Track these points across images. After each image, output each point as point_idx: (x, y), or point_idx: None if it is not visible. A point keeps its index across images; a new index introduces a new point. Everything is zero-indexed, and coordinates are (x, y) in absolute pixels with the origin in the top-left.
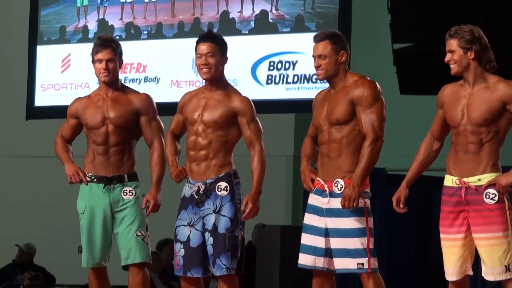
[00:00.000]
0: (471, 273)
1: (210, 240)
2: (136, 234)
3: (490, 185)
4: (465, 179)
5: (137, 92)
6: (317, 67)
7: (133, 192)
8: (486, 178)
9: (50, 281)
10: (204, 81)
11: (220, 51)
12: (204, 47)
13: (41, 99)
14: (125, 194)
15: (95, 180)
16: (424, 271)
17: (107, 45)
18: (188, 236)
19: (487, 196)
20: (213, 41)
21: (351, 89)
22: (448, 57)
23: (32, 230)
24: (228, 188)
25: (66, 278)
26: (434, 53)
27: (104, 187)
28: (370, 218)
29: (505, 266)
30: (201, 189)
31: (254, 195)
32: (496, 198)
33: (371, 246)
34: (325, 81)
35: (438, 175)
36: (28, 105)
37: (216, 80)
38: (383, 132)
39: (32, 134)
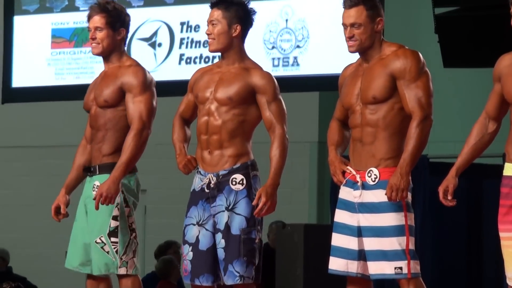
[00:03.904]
0: None
1: (221, 243)
2: (96, 241)
3: None
4: None
5: (129, 65)
6: (349, 38)
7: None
8: None
9: None
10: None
11: (229, 18)
12: (210, 14)
13: (20, 80)
14: (94, 189)
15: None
16: (476, 275)
17: (97, 11)
18: (197, 237)
19: None
20: (220, 7)
21: (390, 61)
22: None
23: (9, 233)
24: (245, 181)
25: None
26: (484, 18)
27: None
28: (410, 214)
29: None
30: (212, 182)
31: (269, 188)
32: None
33: (411, 247)
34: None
35: (491, 162)
36: (4, 87)
37: (227, 52)
38: (431, 109)
39: (9, 120)
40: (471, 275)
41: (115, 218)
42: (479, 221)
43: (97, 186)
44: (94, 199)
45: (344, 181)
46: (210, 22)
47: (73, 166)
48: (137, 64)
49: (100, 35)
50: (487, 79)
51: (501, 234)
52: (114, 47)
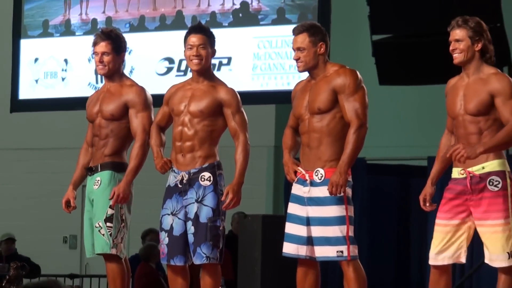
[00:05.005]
0: (463, 261)
1: (191, 229)
2: (95, 225)
3: (494, 172)
4: (469, 169)
5: (131, 85)
6: (296, 60)
7: (100, 181)
8: (489, 165)
9: (36, 271)
10: (191, 73)
11: (210, 43)
12: (195, 39)
13: (26, 92)
14: (95, 183)
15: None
16: (405, 260)
17: (103, 38)
18: (171, 225)
19: (491, 183)
20: (204, 33)
21: (332, 78)
22: (454, 45)
23: (16, 222)
24: (212, 178)
25: (51, 268)
26: (413, 44)
27: (86, 178)
28: (350, 207)
29: (508, 253)
30: (185, 179)
31: (235, 186)
32: (499, 185)
33: (351, 234)
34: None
35: (418, 164)
36: (12, 98)
37: (204, 71)
38: (366, 119)
39: (16, 127)
40: (399, 257)
41: (111, 207)
42: (407, 213)
43: (98, 180)
44: (110, 199)
45: (296, 179)
46: (198, 46)
47: (77, 166)
48: (137, 84)
49: (107, 58)
50: (416, 94)
51: (437, 221)
52: (117, 68)
